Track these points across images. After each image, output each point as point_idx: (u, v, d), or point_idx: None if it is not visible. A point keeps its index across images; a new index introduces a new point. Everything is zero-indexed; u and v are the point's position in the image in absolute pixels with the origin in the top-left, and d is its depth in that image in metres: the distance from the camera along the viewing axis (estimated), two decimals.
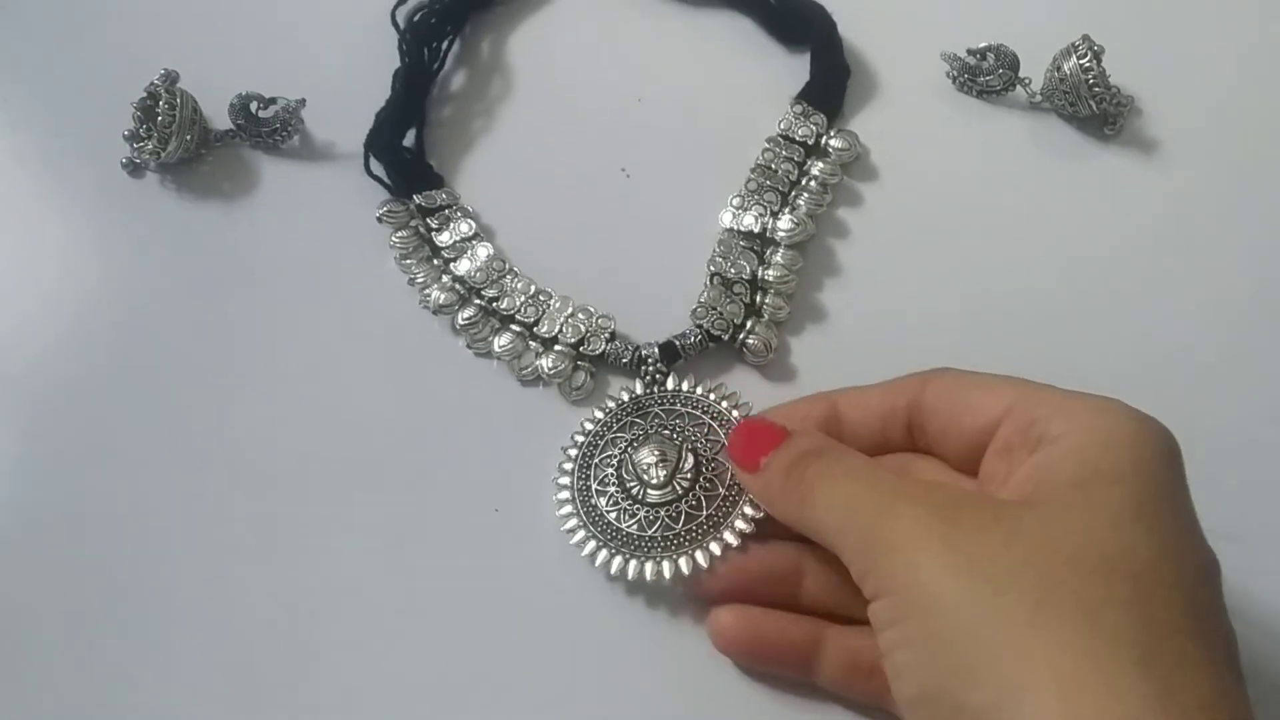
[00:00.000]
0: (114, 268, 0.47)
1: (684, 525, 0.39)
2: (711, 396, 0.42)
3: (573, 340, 0.43)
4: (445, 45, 0.51)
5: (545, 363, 0.43)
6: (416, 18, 0.51)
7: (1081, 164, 0.49)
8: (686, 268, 0.45)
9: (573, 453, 0.41)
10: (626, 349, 0.43)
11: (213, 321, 0.45)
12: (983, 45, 0.49)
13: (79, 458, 0.42)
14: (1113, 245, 0.46)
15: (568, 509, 0.40)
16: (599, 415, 0.42)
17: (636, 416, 0.42)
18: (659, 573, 0.39)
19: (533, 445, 0.42)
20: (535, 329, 0.44)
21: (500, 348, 0.44)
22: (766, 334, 0.44)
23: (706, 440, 0.41)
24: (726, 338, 0.43)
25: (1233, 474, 0.40)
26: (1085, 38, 0.47)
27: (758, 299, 0.44)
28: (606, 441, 0.42)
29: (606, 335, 0.43)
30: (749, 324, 0.44)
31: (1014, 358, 0.41)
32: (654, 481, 0.40)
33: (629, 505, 0.40)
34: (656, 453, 0.40)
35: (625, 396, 0.42)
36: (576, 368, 0.43)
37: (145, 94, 0.47)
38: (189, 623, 0.39)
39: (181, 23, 0.53)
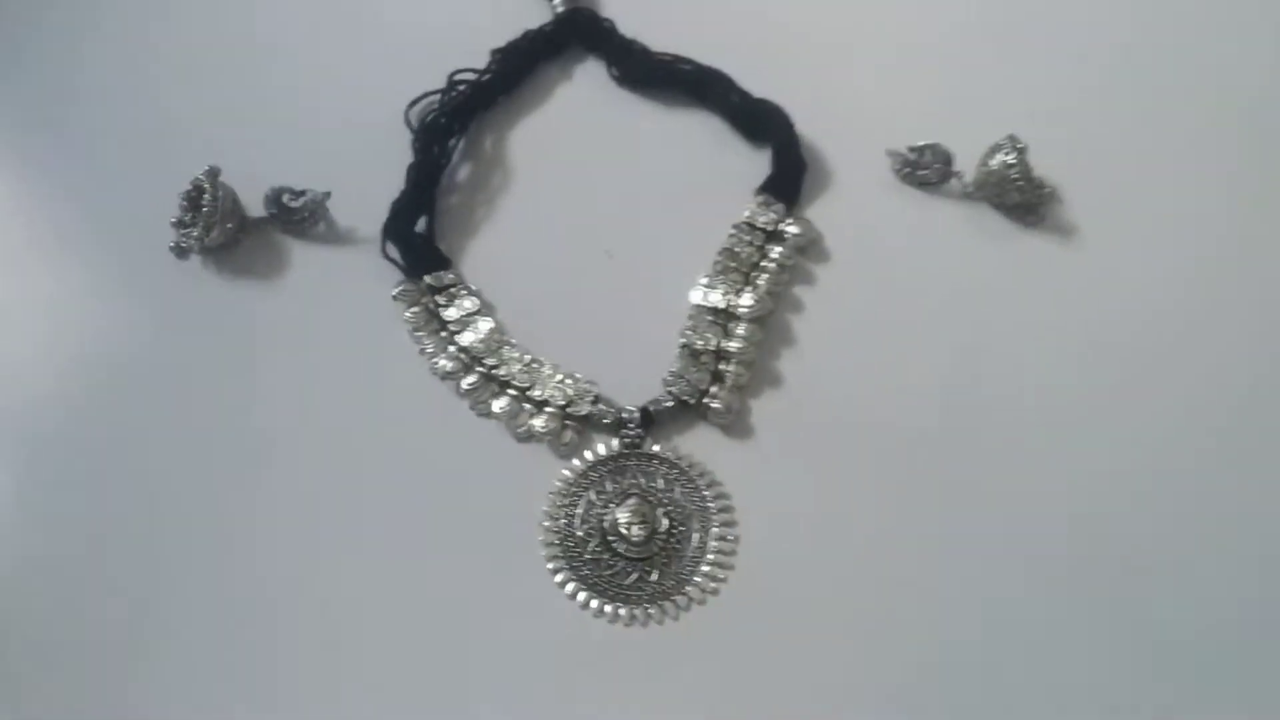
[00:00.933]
0: (163, 338, 0.50)
1: (657, 579, 0.45)
2: (682, 463, 0.47)
3: (561, 403, 0.48)
4: (453, 143, 0.55)
5: (538, 423, 0.48)
6: (428, 118, 0.55)
7: (1008, 248, 0.52)
8: (660, 339, 0.49)
9: (559, 501, 0.46)
10: (609, 411, 0.48)
11: (247, 386, 0.49)
12: (922, 143, 0.52)
13: (115, 507, 0.46)
14: (1035, 322, 0.50)
15: (555, 553, 0.45)
16: (582, 469, 0.47)
17: (615, 473, 0.47)
18: (634, 617, 0.44)
19: (526, 494, 0.47)
20: (529, 393, 0.48)
21: (499, 409, 0.48)
22: (729, 398, 0.48)
23: (677, 504, 0.46)
24: (694, 402, 0.48)
25: (1148, 544, 0.45)
26: (1010, 137, 0.51)
27: (722, 366, 0.49)
28: (588, 494, 0.47)
29: (591, 399, 0.48)
30: (713, 389, 0.48)
31: (945, 419, 0.47)
32: (634, 539, 0.45)
33: (608, 557, 0.45)
34: (637, 515, 0.46)
35: (604, 452, 0.48)
36: (564, 427, 0.48)
37: (191, 186, 0.51)
38: (202, 668, 0.43)
39: (223, 124, 0.56)
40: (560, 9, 0.59)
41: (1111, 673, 0.43)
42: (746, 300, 0.50)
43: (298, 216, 0.52)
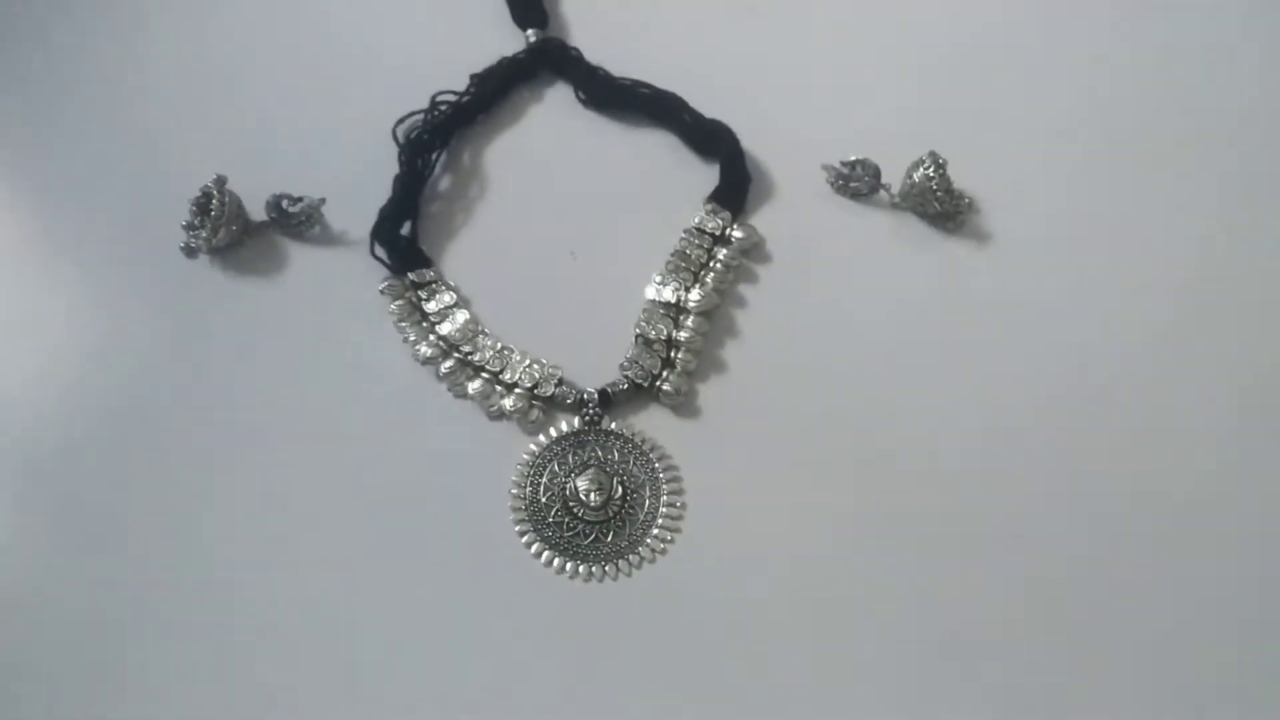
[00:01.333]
0: (173, 330, 0.53)
1: (612, 540, 0.49)
2: (636, 439, 0.51)
3: (529, 385, 0.51)
4: (435, 156, 0.57)
5: (508, 403, 0.51)
6: (413, 134, 0.57)
7: (930, 253, 0.55)
8: (618, 329, 0.53)
9: (526, 472, 0.50)
10: (571, 393, 0.51)
11: (249, 374, 0.52)
12: (853, 158, 0.56)
13: (119, 501, 0.48)
14: (952, 320, 0.53)
15: (521, 517, 0.50)
16: (547, 443, 0.51)
17: (576, 447, 0.51)
18: (591, 574, 0.48)
19: (498, 466, 0.50)
20: (500, 376, 0.51)
21: (473, 390, 0.51)
22: (678, 382, 0.52)
23: (631, 474, 0.50)
24: (647, 385, 0.52)
25: (1054, 542, 0.47)
26: (931, 153, 0.54)
27: (672, 354, 0.52)
28: (552, 465, 0.51)
29: (555, 381, 0.51)
30: (665, 374, 0.52)
31: (870, 405, 0.51)
32: (592, 504, 0.49)
33: (569, 520, 0.49)
34: (595, 482, 0.49)
35: (566, 429, 0.52)
36: (531, 406, 0.51)
37: (201, 193, 0.53)
38: (185, 657, 0.45)
39: (231, 137, 0.59)
40: (533, 39, 0.62)
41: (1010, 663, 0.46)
42: (695, 296, 0.54)
43: (295, 220, 0.55)
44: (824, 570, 0.47)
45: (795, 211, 0.57)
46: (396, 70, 0.62)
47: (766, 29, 0.64)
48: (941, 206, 0.55)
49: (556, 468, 0.51)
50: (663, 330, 0.53)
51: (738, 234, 0.56)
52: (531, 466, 0.50)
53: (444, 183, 0.59)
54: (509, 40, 0.63)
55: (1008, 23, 0.64)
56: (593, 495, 0.50)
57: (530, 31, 0.63)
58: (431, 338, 0.53)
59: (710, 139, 0.58)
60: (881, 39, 0.64)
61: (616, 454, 0.51)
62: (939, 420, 0.51)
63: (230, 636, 0.46)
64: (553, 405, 0.52)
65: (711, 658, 0.46)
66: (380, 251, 0.55)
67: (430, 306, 0.54)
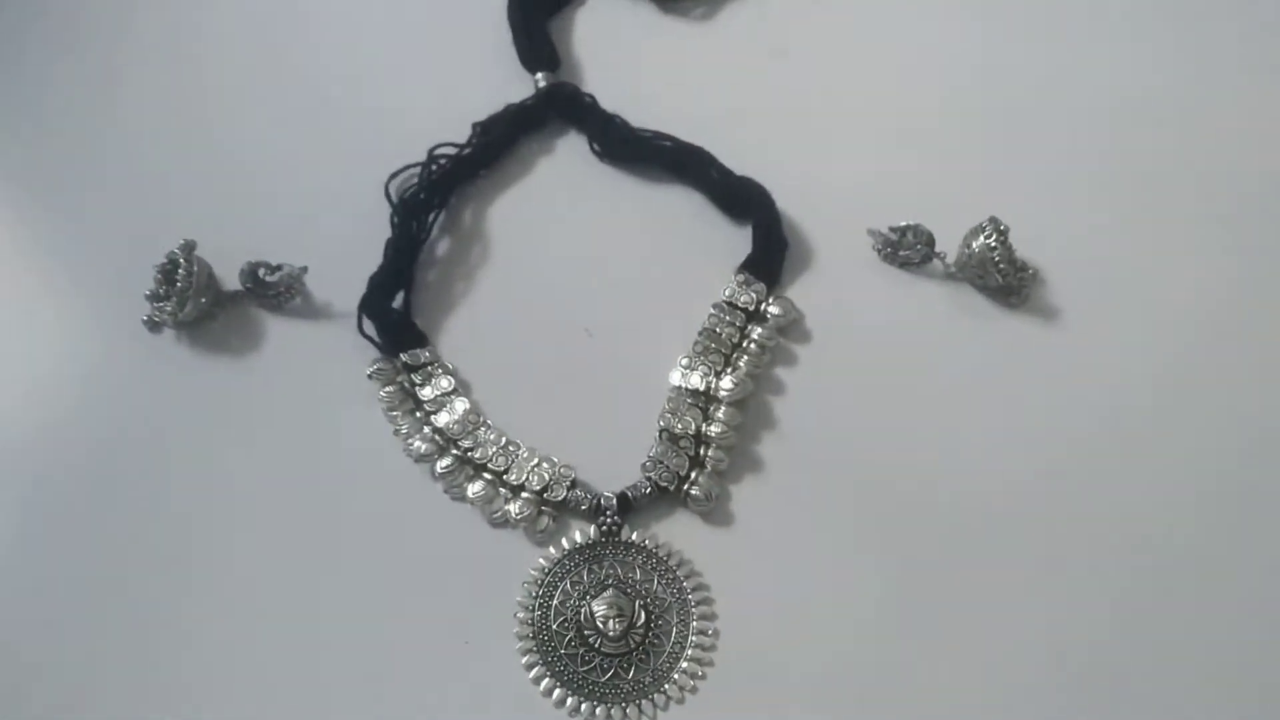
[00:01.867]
0: (132, 413, 0.50)
1: (633, 675, 0.44)
2: (660, 553, 0.46)
3: (538, 488, 0.47)
4: (432, 217, 0.54)
5: (513, 508, 0.47)
6: (407, 193, 0.54)
7: (991, 329, 0.51)
8: (639, 421, 0.49)
9: (534, 591, 0.46)
10: (586, 497, 0.47)
11: (219, 463, 0.48)
12: (903, 224, 0.52)
13: (75, 588, 0.46)
14: (1018, 405, 0.49)
15: (529, 646, 0.45)
16: (558, 557, 0.46)
17: (592, 562, 0.46)
18: (610, 717, 0.43)
19: (501, 581, 0.46)
20: (505, 477, 0.48)
21: (474, 494, 0.48)
22: (708, 484, 0.48)
23: (655, 596, 0.45)
24: (673, 488, 0.47)
25: (1134, 625, 0.45)
26: (992, 219, 0.50)
27: (702, 451, 0.48)
28: (564, 584, 0.46)
29: (568, 484, 0.47)
30: (693, 475, 0.48)
31: (931, 504, 0.47)
32: (610, 634, 0.44)
33: (584, 651, 0.44)
34: (614, 608, 0.45)
35: (581, 540, 0.47)
36: (540, 512, 0.47)
37: (166, 260, 0.50)
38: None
39: (200, 195, 0.56)
40: (542, 83, 0.59)
41: None
42: (727, 383, 0.50)
43: (273, 291, 0.52)
44: (891, 712, 0.43)
45: (838, 283, 0.54)
46: (390, 118, 0.59)
47: (803, 76, 0.61)
48: (1004, 279, 0.51)
49: (569, 587, 0.46)
50: (690, 423, 0.49)
51: (774, 309, 0.52)
52: (541, 585, 0.46)
53: (442, 247, 0.55)
54: (516, 85, 0.60)
55: (1075, 67, 0.61)
56: (611, 623, 0.45)
57: (539, 75, 0.59)
58: (426, 430, 0.50)
59: (741, 199, 0.55)
60: (932, 88, 0.60)
61: (638, 571, 0.46)
62: (1007, 525, 0.47)
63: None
64: (565, 511, 0.48)
65: None
66: (369, 328, 0.51)
67: (425, 393, 0.50)
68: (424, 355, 0.51)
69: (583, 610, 0.45)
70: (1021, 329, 0.52)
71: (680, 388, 0.50)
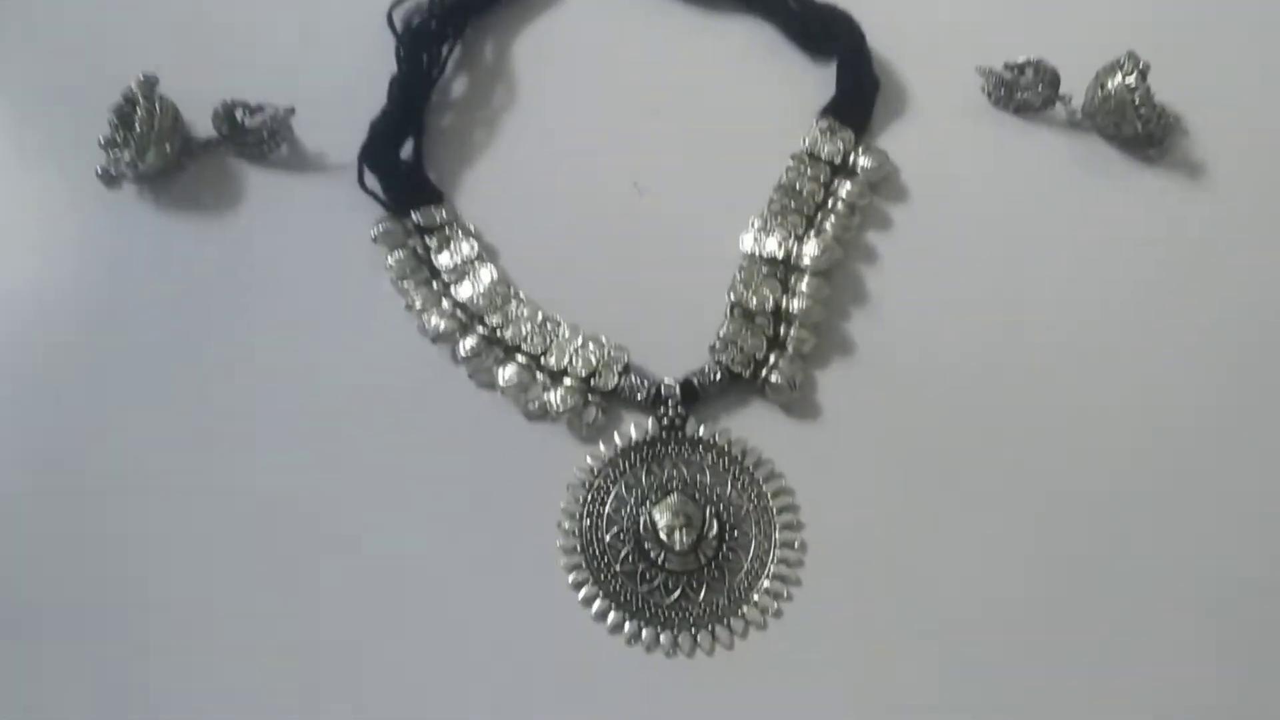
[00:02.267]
0: (86, 285, 0.46)
1: (705, 596, 0.39)
2: (733, 451, 0.41)
3: (583, 373, 0.42)
4: (445, 50, 0.50)
5: (554, 397, 0.42)
6: (415, 21, 0.50)
7: (1123, 187, 0.47)
8: (704, 295, 0.44)
9: (581, 495, 0.41)
10: (642, 384, 0.42)
11: (191, 346, 0.44)
12: (1021, 60, 0.48)
13: (42, 483, 0.42)
14: (1154, 272, 0.45)
15: (576, 562, 0.40)
16: (610, 455, 0.41)
17: (651, 462, 0.41)
18: (676, 644, 0.39)
19: (539, 485, 0.42)
20: (543, 360, 0.43)
21: (505, 380, 0.43)
22: (791, 370, 0.42)
23: (729, 503, 0.41)
24: (748, 374, 0.42)
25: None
26: (1131, 54, 0.45)
27: (781, 331, 0.43)
28: (618, 488, 0.41)
29: (620, 368, 0.42)
30: (772, 359, 0.42)
31: (1049, 388, 0.43)
32: (676, 547, 0.39)
33: (645, 568, 0.40)
34: (680, 516, 0.40)
35: (637, 436, 0.42)
36: (587, 403, 0.42)
37: (122, 99, 0.46)
38: (178, 664, 0.38)
39: (162, 23, 0.51)
40: None
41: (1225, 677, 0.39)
42: (811, 249, 0.44)
43: (254, 138, 0.48)
44: (995, 630, 0.40)
45: (940, 132, 0.49)
46: None
47: None
48: (1142, 127, 0.46)
49: (624, 492, 0.41)
50: (768, 297, 0.44)
51: (864, 162, 0.47)
52: (589, 489, 0.41)
53: (458, 86, 0.51)
54: None
55: None
56: (678, 534, 0.39)
57: None
58: (445, 304, 0.45)
59: (824, 31, 0.50)
60: None
61: (708, 472, 0.41)
62: (1134, 409, 0.43)
63: (172, 658, 0.39)
64: (616, 402, 0.43)
65: None
66: (372, 182, 0.47)
67: (442, 260, 0.45)
68: (440, 215, 0.46)
69: (642, 519, 0.40)
70: (1160, 186, 0.48)
71: (753, 255, 0.45)
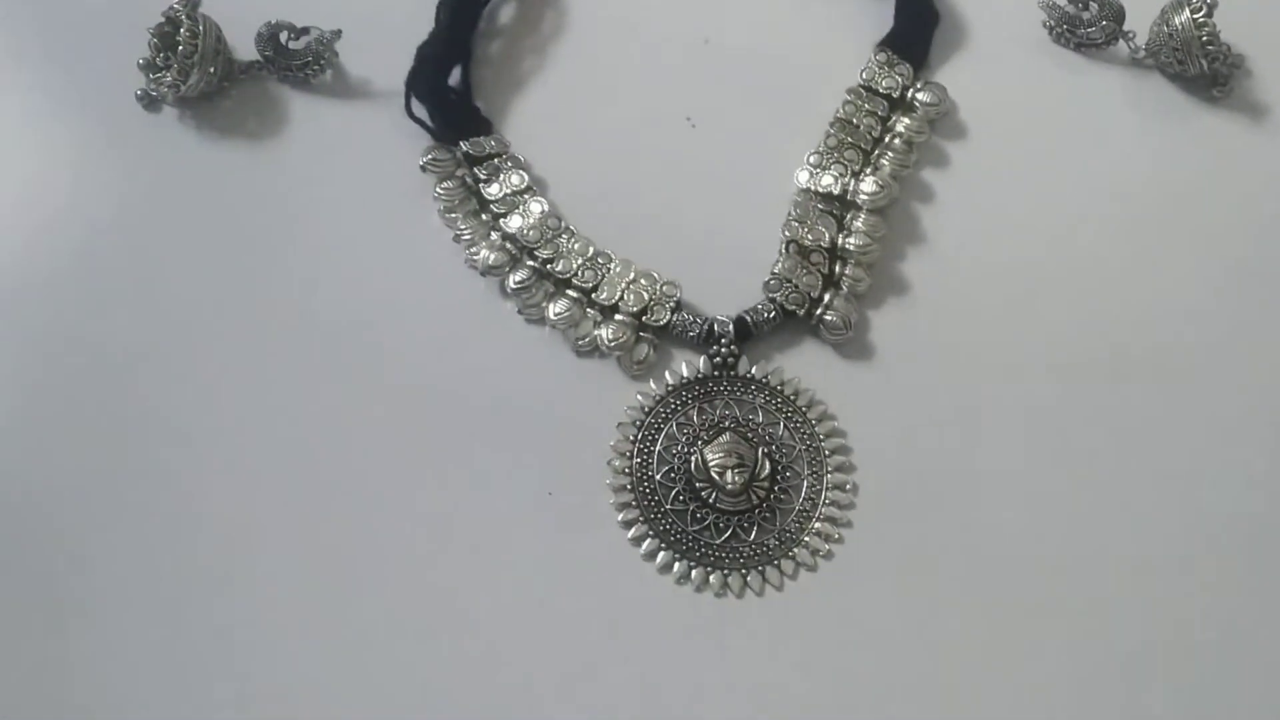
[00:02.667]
0: (127, 210, 0.45)
1: (756, 537, 0.39)
2: (786, 390, 0.41)
3: (635, 309, 0.42)
4: None
5: (604, 333, 0.41)
6: None
7: (1186, 126, 0.46)
8: (758, 230, 0.44)
9: (632, 434, 0.40)
10: (695, 321, 0.41)
11: (233, 273, 0.43)
12: None
13: (80, 409, 0.41)
14: (1221, 214, 0.44)
15: (626, 500, 0.39)
16: (661, 393, 0.41)
17: (703, 400, 0.41)
18: (726, 585, 0.38)
19: (589, 422, 0.41)
20: (594, 295, 0.42)
21: (555, 315, 0.42)
22: (846, 309, 0.41)
23: (781, 444, 0.40)
24: (802, 313, 0.41)
25: None
26: None
27: (836, 269, 0.42)
28: (669, 427, 0.40)
29: (672, 305, 0.42)
30: (826, 297, 0.42)
31: (1104, 329, 0.42)
32: (729, 487, 0.39)
33: (696, 508, 0.39)
34: (732, 456, 0.39)
35: (688, 374, 0.41)
36: (639, 339, 0.41)
37: (164, 19, 0.45)
38: (214, 609, 0.38)
39: None
40: None
41: None
42: (868, 185, 0.43)
43: (299, 61, 0.47)
44: (1051, 579, 0.39)
45: (1000, 66, 0.48)
46: None
47: None
48: (1208, 65, 0.45)
49: (676, 431, 0.40)
50: (823, 234, 0.43)
51: (923, 97, 0.46)
52: (640, 427, 0.40)
53: (506, 12, 0.50)
54: None
55: None
56: (730, 474, 0.39)
57: None
58: (495, 236, 0.43)
59: None
60: None
61: (760, 412, 0.40)
62: (1189, 351, 0.42)
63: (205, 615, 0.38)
64: (668, 339, 0.42)
65: (894, 704, 0.37)
66: (419, 110, 0.46)
67: (492, 191, 0.44)
68: (489, 144, 0.45)
69: (693, 459, 0.39)
70: (1225, 128, 0.46)
71: (809, 190, 0.44)
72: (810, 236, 0.42)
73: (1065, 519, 0.40)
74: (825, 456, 0.40)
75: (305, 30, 0.46)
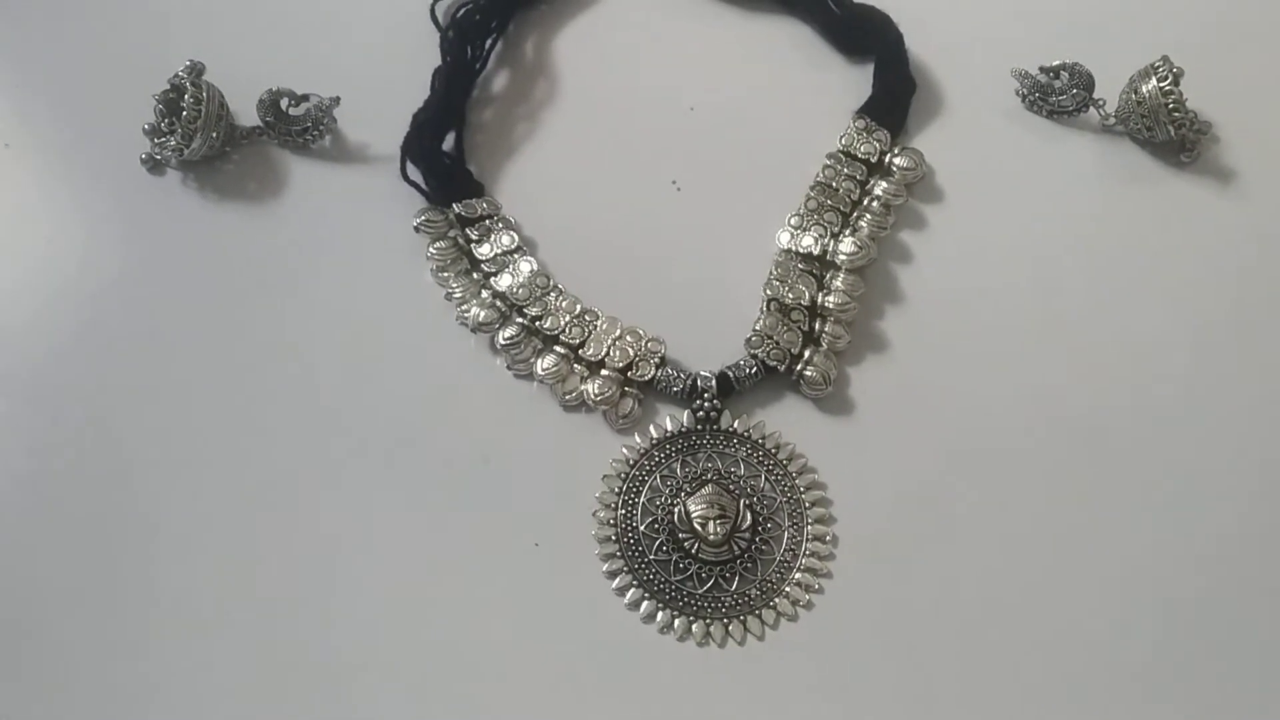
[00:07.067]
0: (130, 271, 0.46)
1: (737, 587, 0.40)
2: (767, 444, 0.41)
3: (621, 365, 0.43)
4: (488, 43, 0.50)
5: (591, 387, 0.42)
6: (459, 13, 0.50)
7: (1155, 191, 0.47)
8: (740, 289, 0.45)
9: (617, 486, 0.41)
10: (679, 377, 0.42)
11: (233, 332, 0.44)
12: (1056, 63, 0.48)
13: (86, 465, 0.41)
14: (1189, 274, 0.45)
15: (611, 551, 0.40)
16: (646, 447, 0.41)
17: (686, 453, 0.41)
18: (708, 634, 0.39)
19: (575, 474, 0.42)
20: (581, 351, 0.43)
21: (543, 370, 0.43)
22: (825, 365, 0.42)
23: (762, 495, 0.41)
24: (782, 369, 0.42)
25: None
26: (1165, 59, 0.46)
27: (816, 326, 0.43)
28: (654, 480, 0.41)
29: (656, 361, 0.43)
30: (807, 354, 0.43)
31: (1079, 388, 0.43)
32: (711, 538, 0.39)
33: (679, 558, 0.40)
34: (715, 507, 0.40)
35: (672, 428, 0.42)
36: (624, 394, 0.42)
37: (169, 86, 0.46)
38: (209, 643, 0.38)
39: (209, 11, 0.52)
40: None
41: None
42: (846, 246, 0.45)
43: (299, 126, 0.48)
44: (1028, 625, 0.39)
45: (974, 133, 0.50)
46: None
47: None
48: (1175, 131, 0.47)
49: (659, 483, 0.41)
50: (803, 293, 0.44)
51: (900, 161, 0.47)
52: (625, 479, 0.41)
53: (500, 81, 0.51)
54: None
55: None
56: (712, 525, 0.39)
57: None
58: (485, 294, 0.45)
59: (860, 31, 0.51)
60: None
61: (741, 465, 0.41)
62: (1164, 412, 0.43)
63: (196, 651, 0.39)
64: (653, 393, 0.43)
65: None
66: (414, 173, 0.47)
67: (483, 251, 0.46)
68: (481, 206, 0.46)
69: (676, 510, 0.40)
70: (1192, 193, 0.48)
71: (790, 250, 0.45)
72: (791, 295, 0.43)
73: (1042, 571, 0.40)
74: (805, 508, 0.41)
75: (305, 97, 0.47)
